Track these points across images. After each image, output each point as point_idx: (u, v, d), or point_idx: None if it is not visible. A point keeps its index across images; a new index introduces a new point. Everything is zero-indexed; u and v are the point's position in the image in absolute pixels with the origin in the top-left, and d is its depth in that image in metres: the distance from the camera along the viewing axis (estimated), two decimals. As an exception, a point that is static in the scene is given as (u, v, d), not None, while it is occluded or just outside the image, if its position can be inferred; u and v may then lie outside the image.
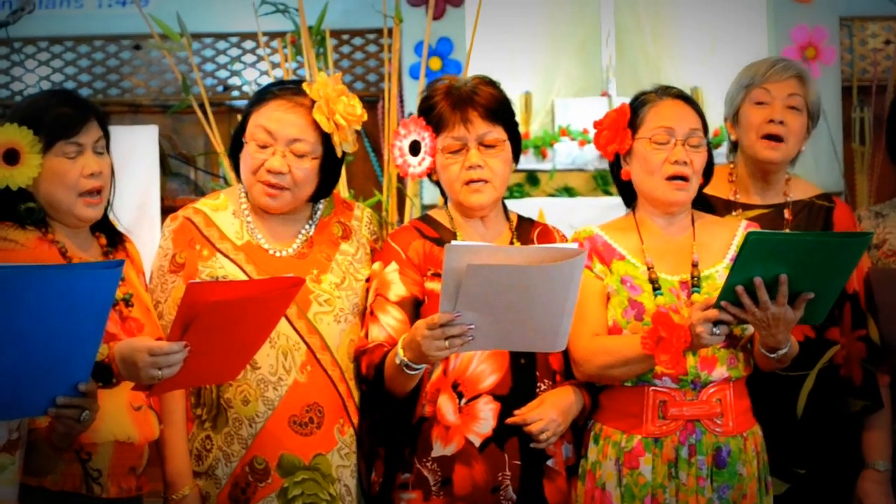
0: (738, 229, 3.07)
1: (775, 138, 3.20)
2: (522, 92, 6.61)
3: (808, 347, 3.02)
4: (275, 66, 5.57)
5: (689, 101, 3.07)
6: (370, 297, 3.02)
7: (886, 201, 3.42)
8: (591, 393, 3.01)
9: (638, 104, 3.06)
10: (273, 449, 2.91)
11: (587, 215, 4.97)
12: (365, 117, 3.02)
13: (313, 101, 2.96)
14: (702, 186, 3.08)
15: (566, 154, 6.54)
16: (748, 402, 3.00)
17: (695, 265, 2.98)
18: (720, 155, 3.33)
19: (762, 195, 3.29)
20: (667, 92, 3.06)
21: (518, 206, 3.32)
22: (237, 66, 6.51)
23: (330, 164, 3.01)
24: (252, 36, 6.22)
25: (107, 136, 2.82)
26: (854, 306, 3.17)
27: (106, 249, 2.86)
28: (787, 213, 3.26)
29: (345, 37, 6.52)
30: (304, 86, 2.99)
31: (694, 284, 2.96)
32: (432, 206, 3.23)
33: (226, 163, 4.60)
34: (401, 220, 4.56)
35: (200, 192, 6.19)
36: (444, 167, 3.03)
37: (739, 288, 2.73)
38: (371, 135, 5.95)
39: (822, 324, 2.97)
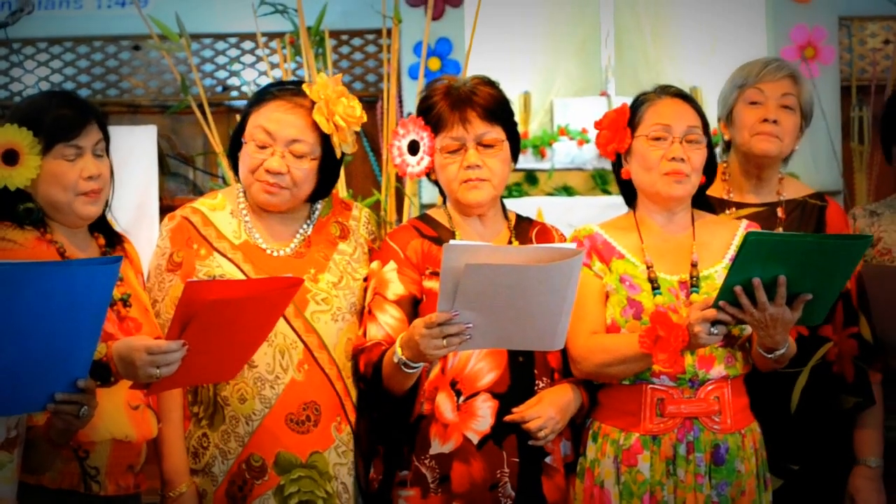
0: (738, 229, 3.07)
1: (770, 136, 3.22)
2: (521, 92, 6.61)
3: (802, 344, 3.03)
4: (274, 66, 5.57)
5: (688, 99, 3.08)
6: (368, 295, 3.03)
7: (881, 200, 3.44)
8: (589, 391, 3.02)
9: (637, 103, 3.08)
10: (270, 447, 2.91)
11: (586, 214, 4.97)
12: (364, 119, 3.02)
13: (313, 102, 2.97)
14: (704, 186, 3.09)
15: (565, 153, 6.54)
16: (746, 399, 3.00)
17: (694, 265, 2.99)
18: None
19: (756, 194, 3.31)
20: (665, 91, 3.08)
21: (517, 206, 3.32)
22: (236, 67, 6.51)
23: (329, 165, 3.02)
24: (251, 36, 6.22)
25: (107, 138, 2.82)
26: (846, 304, 3.18)
27: (104, 250, 2.87)
28: (780, 212, 3.28)
29: (344, 37, 6.52)
30: (304, 87, 3.00)
31: (693, 284, 2.96)
32: (431, 206, 3.23)
33: (224, 163, 4.61)
34: (399, 220, 4.56)
35: (199, 192, 6.19)
36: (442, 167, 3.04)
37: (738, 288, 2.74)
38: (370, 135, 5.95)
39: (814, 321, 2.98)
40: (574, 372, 3.00)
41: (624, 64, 6.83)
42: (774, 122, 3.23)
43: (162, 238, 3.04)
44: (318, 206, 3.11)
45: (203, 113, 4.69)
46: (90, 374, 2.47)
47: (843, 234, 3.17)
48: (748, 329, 2.89)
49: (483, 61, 4.77)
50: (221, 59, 6.53)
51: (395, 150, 3.08)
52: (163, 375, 2.53)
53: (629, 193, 3.13)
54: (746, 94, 3.27)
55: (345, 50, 6.54)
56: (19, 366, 2.33)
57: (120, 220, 2.97)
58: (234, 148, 3.06)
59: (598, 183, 6.46)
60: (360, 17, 6.10)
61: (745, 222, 3.11)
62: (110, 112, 6.31)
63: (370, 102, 5.80)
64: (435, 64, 6.23)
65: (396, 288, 2.99)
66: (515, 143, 3.09)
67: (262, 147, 2.96)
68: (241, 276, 2.94)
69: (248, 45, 6.48)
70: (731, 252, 3.00)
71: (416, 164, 3.06)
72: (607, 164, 5.81)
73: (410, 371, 2.80)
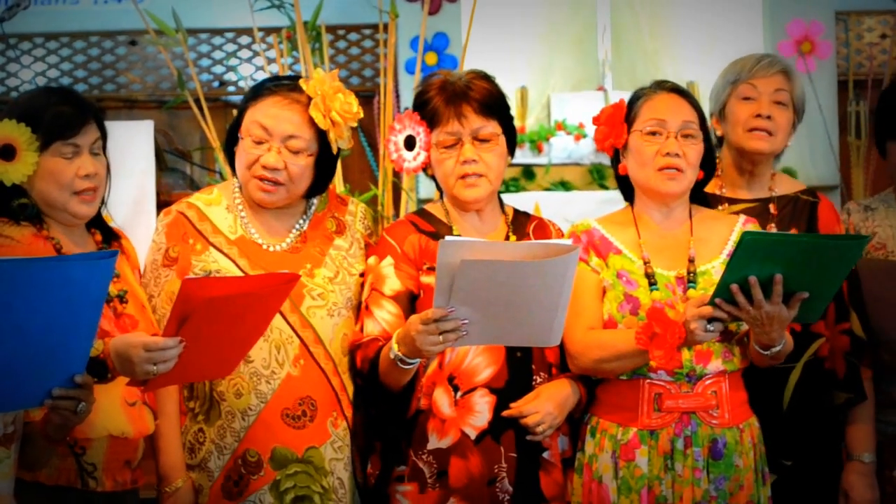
0: (736, 224, 3.07)
1: (763, 132, 3.23)
2: (518, 86, 6.60)
3: (795, 340, 3.03)
4: (270, 61, 5.57)
5: (684, 94, 3.08)
6: (365, 291, 3.03)
7: (876, 195, 3.45)
8: (587, 386, 3.02)
9: (633, 99, 3.08)
10: (266, 442, 2.91)
11: (583, 209, 4.96)
12: (361, 114, 3.02)
13: (309, 98, 2.96)
14: (703, 183, 3.09)
15: (562, 148, 6.54)
16: (745, 394, 3.00)
17: (691, 260, 2.99)
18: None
19: (748, 189, 3.31)
20: (661, 86, 3.08)
21: (514, 200, 3.32)
22: (233, 62, 6.50)
23: (325, 161, 3.02)
24: (248, 31, 6.21)
25: (104, 136, 2.82)
26: (838, 300, 3.18)
27: (101, 246, 2.87)
28: (772, 208, 3.28)
29: (340, 32, 6.51)
30: (301, 82, 3.00)
31: (690, 280, 2.96)
32: (428, 201, 3.23)
33: (221, 158, 4.61)
34: (397, 215, 4.56)
35: (196, 188, 6.17)
36: (438, 162, 3.04)
37: (734, 286, 2.74)
38: (367, 130, 5.95)
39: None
40: (571, 367, 3.00)
41: (621, 58, 6.82)
42: (768, 117, 3.23)
43: (158, 233, 3.04)
44: (315, 201, 3.11)
45: (200, 108, 4.69)
46: (87, 371, 2.47)
47: (840, 235, 3.17)
48: (745, 324, 2.89)
49: (480, 56, 4.77)
50: (218, 54, 6.52)
51: (391, 146, 3.08)
52: (160, 372, 2.53)
53: (627, 189, 3.13)
54: (739, 90, 3.28)
55: (341, 45, 6.53)
56: (16, 361, 2.33)
57: (117, 215, 2.97)
58: (230, 143, 3.06)
59: (596, 178, 6.46)
60: (356, 11, 6.10)
61: (742, 217, 3.11)
62: (107, 107, 6.29)
63: (367, 97, 5.79)
64: (432, 59, 6.22)
65: (393, 283, 2.98)
66: (512, 138, 3.09)
67: (259, 143, 2.96)
68: (236, 271, 2.94)
69: (244, 39, 6.46)
70: (729, 247, 3.00)
71: (413, 159, 3.06)
72: (604, 159, 5.83)
73: (407, 367, 2.80)
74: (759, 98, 3.25)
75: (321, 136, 2.98)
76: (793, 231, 3.21)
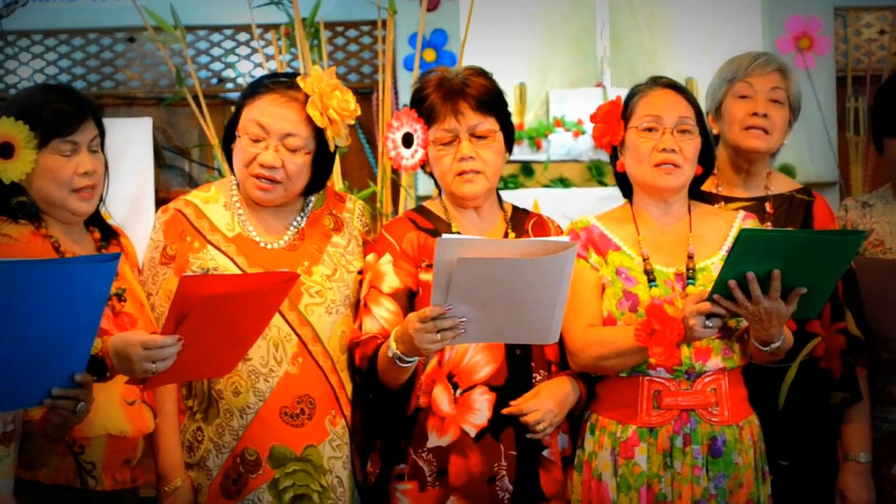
0: (735, 220, 3.07)
1: (759, 130, 3.23)
2: (517, 83, 6.60)
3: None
4: (269, 58, 5.56)
5: (681, 90, 3.08)
6: (364, 288, 3.02)
7: (873, 191, 3.45)
8: (587, 383, 3.02)
9: (630, 95, 3.08)
10: (264, 440, 2.91)
11: (582, 206, 4.96)
12: (358, 112, 3.02)
13: (307, 96, 2.96)
14: (700, 180, 3.09)
15: (560, 145, 6.53)
16: (744, 391, 3.00)
17: (690, 257, 2.99)
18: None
19: (744, 188, 3.32)
20: (657, 82, 3.08)
21: (513, 197, 3.32)
22: (231, 59, 6.50)
23: (322, 159, 3.01)
24: (246, 28, 6.20)
25: (102, 133, 2.81)
26: (833, 299, 3.17)
27: (100, 244, 2.87)
28: (768, 207, 3.28)
29: (339, 28, 6.50)
30: (298, 80, 2.99)
31: (689, 276, 2.96)
32: (427, 198, 3.23)
33: (220, 155, 4.60)
34: (395, 212, 4.56)
35: (195, 185, 6.17)
36: (436, 159, 3.04)
37: (732, 282, 2.74)
38: (366, 127, 5.95)
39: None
40: (571, 365, 3.00)
41: (620, 55, 6.82)
42: (764, 115, 3.24)
43: (155, 231, 3.04)
44: (312, 198, 3.10)
45: (198, 105, 4.68)
46: (86, 370, 2.47)
47: (838, 230, 3.17)
48: (745, 321, 2.89)
49: (478, 53, 4.76)
50: (216, 51, 6.52)
51: (389, 143, 3.08)
52: (158, 370, 2.53)
53: (626, 186, 3.13)
54: (735, 88, 3.28)
55: (340, 41, 6.53)
56: (17, 361, 2.32)
57: (115, 212, 2.97)
58: (227, 140, 3.05)
59: (594, 174, 6.46)
60: (355, 8, 6.09)
61: (741, 213, 3.11)
62: (105, 104, 6.30)
63: (365, 94, 5.79)
64: (430, 55, 6.21)
65: (392, 281, 2.98)
66: (509, 134, 3.08)
67: (256, 141, 2.96)
68: (234, 269, 2.94)
69: (243, 36, 6.46)
70: (728, 243, 2.99)
71: (411, 156, 3.06)
72: (603, 156, 5.82)
73: (405, 365, 2.79)
74: (755, 96, 3.26)
75: (318, 134, 2.98)
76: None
